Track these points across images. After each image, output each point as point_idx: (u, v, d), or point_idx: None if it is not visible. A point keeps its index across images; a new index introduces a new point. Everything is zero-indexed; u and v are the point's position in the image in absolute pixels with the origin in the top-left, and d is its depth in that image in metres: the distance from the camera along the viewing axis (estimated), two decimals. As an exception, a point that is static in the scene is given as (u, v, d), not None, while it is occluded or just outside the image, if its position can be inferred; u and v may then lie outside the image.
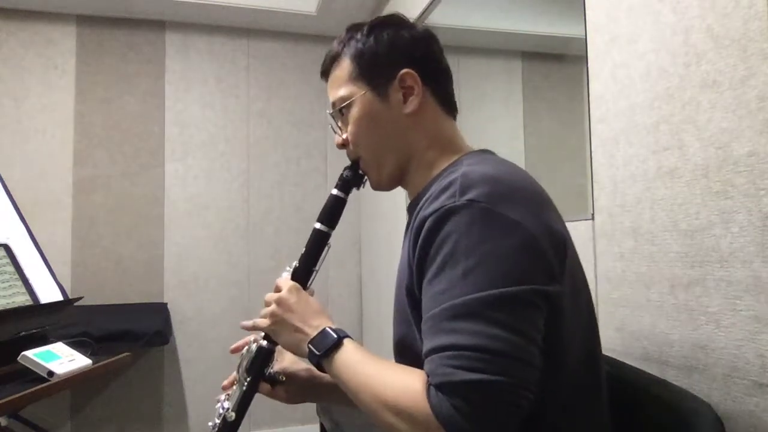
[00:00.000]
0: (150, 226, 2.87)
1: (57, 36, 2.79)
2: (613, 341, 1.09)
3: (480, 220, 0.64)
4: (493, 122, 2.25)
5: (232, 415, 0.87)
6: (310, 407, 2.49)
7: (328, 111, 0.90)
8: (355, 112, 0.84)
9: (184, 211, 2.93)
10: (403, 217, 2.50)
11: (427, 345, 0.64)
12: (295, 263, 0.89)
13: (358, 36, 0.85)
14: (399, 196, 2.54)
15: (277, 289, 0.87)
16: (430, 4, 2.14)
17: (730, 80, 0.82)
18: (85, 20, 2.83)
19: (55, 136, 2.76)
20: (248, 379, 0.89)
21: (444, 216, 0.66)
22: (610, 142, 1.11)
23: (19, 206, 1.84)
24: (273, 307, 0.84)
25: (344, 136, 0.88)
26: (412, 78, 0.82)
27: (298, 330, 0.80)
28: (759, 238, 0.77)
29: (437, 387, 0.60)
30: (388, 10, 2.67)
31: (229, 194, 3.01)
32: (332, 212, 0.89)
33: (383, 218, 2.83)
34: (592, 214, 1.17)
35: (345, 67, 0.85)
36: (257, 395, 0.92)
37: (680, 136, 0.92)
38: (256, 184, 3.06)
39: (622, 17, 1.07)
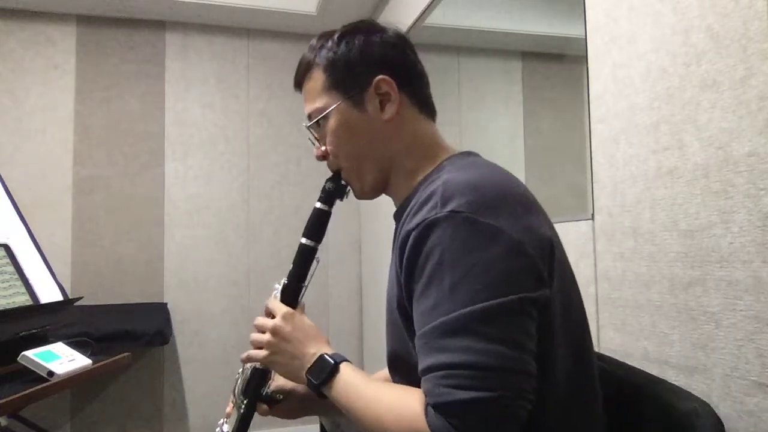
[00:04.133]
0: (150, 226, 2.87)
1: (57, 36, 2.79)
2: (613, 341, 1.09)
3: (463, 230, 0.63)
4: (493, 122, 2.25)
5: None
6: (310, 407, 2.50)
7: (304, 124, 0.88)
8: (332, 123, 0.82)
9: (184, 211, 2.93)
10: (403, 217, 2.50)
11: (421, 364, 0.64)
12: (284, 280, 0.88)
13: (329, 45, 0.83)
14: (399, 196, 2.54)
15: (269, 314, 0.85)
16: (430, 4, 2.14)
17: (730, 80, 0.82)
18: (85, 20, 2.83)
19: (55, 136, 2.76)
20: (245, 401, 0.88)
21: (427, 229, 0.65)
22: (610, 142, 1.11)
23: (19, 206, 1.84)
24: (268, 336, 0.82)
25: (323, 148, 0.87)
26: (388, 84, 0.80)
27: (295, 358, 0.79)
28: (759, 238, 0.77)
29: (434, 407, 0.61)
30: (387, 11, 2.67)
31: (229, 194, 3.01)
32: (317, 226, 0.87)
33: (383, 218, 2.82)
34: (592, 214, 1.17)
35: (317, 78, 0.83)
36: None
37: (680, 136, 0.92)
38: (256, 184, 3.06)
39: (622, 17, 1.07)
